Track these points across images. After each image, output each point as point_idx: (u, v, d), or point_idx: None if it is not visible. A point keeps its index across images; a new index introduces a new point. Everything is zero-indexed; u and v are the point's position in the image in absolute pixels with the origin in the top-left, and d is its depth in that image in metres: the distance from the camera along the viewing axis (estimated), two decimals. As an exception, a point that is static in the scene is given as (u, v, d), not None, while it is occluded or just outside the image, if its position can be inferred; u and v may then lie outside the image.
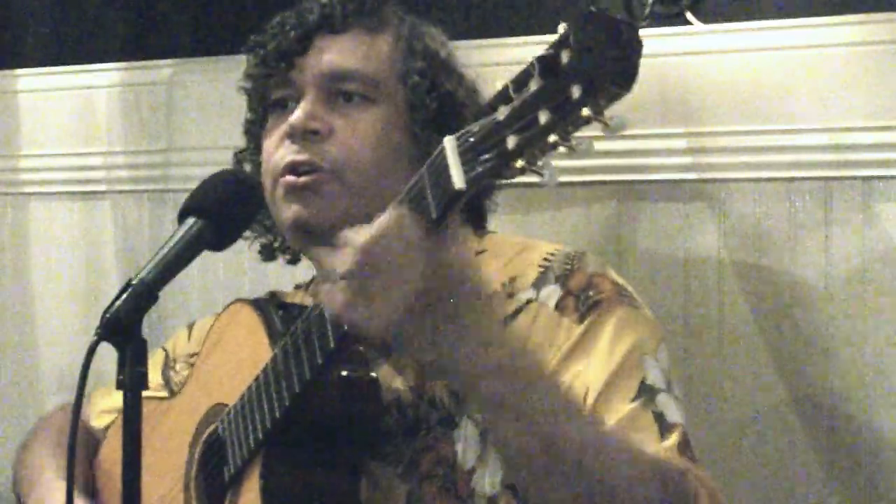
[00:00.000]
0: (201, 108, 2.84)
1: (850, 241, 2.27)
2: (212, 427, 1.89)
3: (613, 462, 1.58)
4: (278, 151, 1.88)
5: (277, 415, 1.72)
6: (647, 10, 2.39)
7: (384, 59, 1.90)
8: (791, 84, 2.31)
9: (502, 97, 1.40)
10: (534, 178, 1.40)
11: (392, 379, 1.84)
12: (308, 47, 1.89)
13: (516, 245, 1.91)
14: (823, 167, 2.30)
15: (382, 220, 1.49)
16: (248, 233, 2.01)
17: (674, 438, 1.72)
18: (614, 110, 1.34)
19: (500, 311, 1.59)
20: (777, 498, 2.33)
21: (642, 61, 2.43)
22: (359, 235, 1.50)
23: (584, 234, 2.46)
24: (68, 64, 3.04)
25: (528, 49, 1.39)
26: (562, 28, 1.34)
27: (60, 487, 2.04)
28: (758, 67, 2.33)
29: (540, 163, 1.39)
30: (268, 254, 2.10)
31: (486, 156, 1.40)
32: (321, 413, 1.75)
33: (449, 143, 1.45)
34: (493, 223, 2.51)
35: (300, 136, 1.85)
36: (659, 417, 1.73)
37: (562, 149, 1.36)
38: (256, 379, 1.77)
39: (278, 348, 1.74)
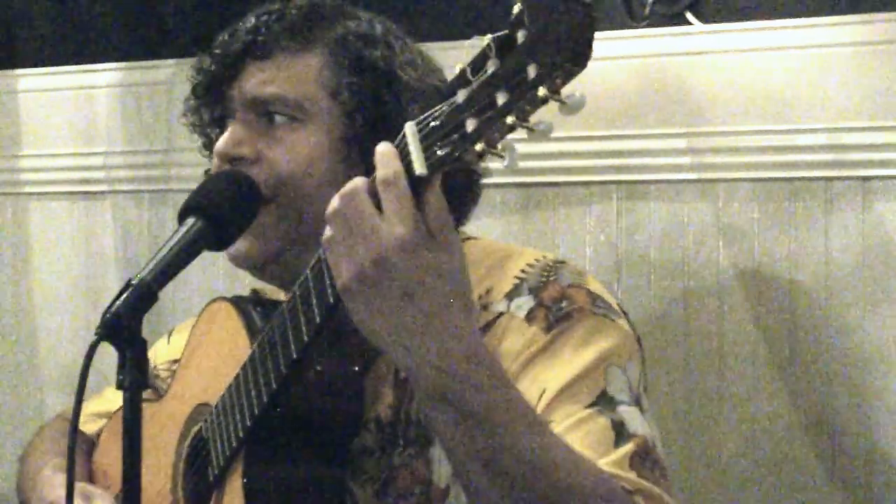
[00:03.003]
0: (201, 108, 2.84)
1: (849, 240, 2.28)
2: (196, 427, 1.89)
3: (559, 471, 1.54)
4: None
5: (257, 411, 1.71)
6: (647, 10, 2.39)
7: (311, 80, 1.85)
8: (791, 84, 2.31)
9: (461, 80, 1.39)
10: (496, 162, 1.39)
11: (371, 396, 1.81)
12: (237, 73, 1.87)
13: (497, 253, 1.87)
14: (823, 167, 2.30)
15: (375, 175, 1.48)
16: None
17: (628, 448, 1.66)
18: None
19: (470, 307, 1.52)
20: (776, 498, 2.33)
21: (642, 61, 2.45)
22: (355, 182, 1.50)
23: (584, 234, 2.46)
24: (69, 64, 3.04)
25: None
26: (517, 7, 1.34)
27: (59, 478, 2.05)
28: (758, 67, 2.33)
29: (500, 146, 1.37)
30: None
31: (446, 140, 1.39)
32: (301, 409, 1.73)
33: (409, 128, 1.45)
34: (492, 224, 2.52)
35: (227, 162, 1.84)
36: (618, 425, 1.68)
37: (521, 131, 1.35)
38: (237, 377, 1.76)
39: (256, 345, 1.73)
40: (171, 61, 2.91)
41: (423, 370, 1.50)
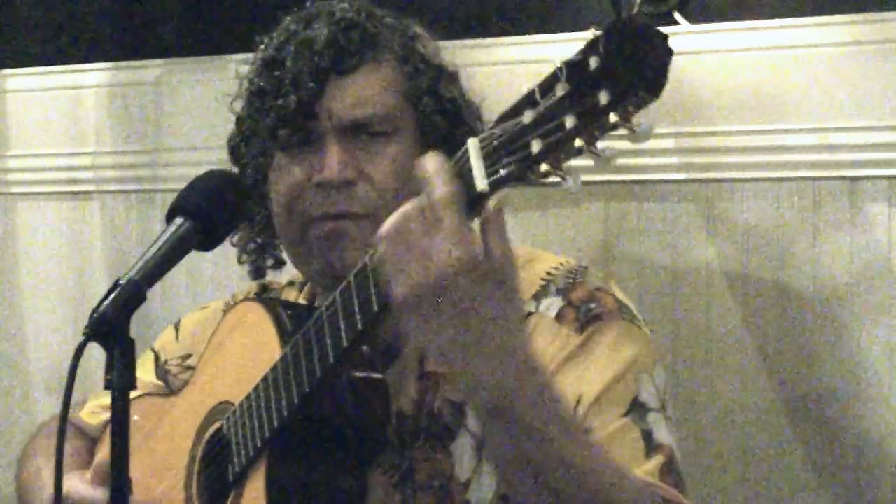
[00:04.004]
0: (190, 108, 2.84)
1: (838, 240, 2.28)
2: (216, 425, 1.89)
3: (603, 481, 1.56)
4: (305, 198, 1.87)
5: (285, 414, 1.72)
6: (635, 10, 2.40)
7: (393, 88, 1.89)
8: (779, 84, 2.31)
9: (528, 101, 1.38)
10: (556, 184, 1.39)
11: (394, 389, 1.82)
12: (323, 91, 1.86)
13: (519, 257, 1.88)
14: (811, 167, 2.30)
15: (424, 196, 1.46)
16: (244, 259, 2.04)
17: (658, 459, 1.71)
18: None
19: (522, 320, 1.53)
20: (766, 497, 2.33)
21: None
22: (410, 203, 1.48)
23: (572, 233, 2.46)
24: (57, 64, 3.04)
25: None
26: (591, 33, 1.34)
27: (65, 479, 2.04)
28: (745, 67, 2.34)
29: (564, 168, 1.38)
30: (258, 273, 2.10)
31: (510, 159, 1.39)
32: (329, 414, 1.74)
33: (473, 144, 1.44)
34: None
35: (335, 188, 1.85)
36: (647, 436, 1.72)
37: (587, 156, 1.35)
38: (265, 378, 1.77)
39: (288, 348, 1.73)
40: (159, 61, 2.91)
41: (478, 387, 1.50)
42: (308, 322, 1.69)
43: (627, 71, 1.31)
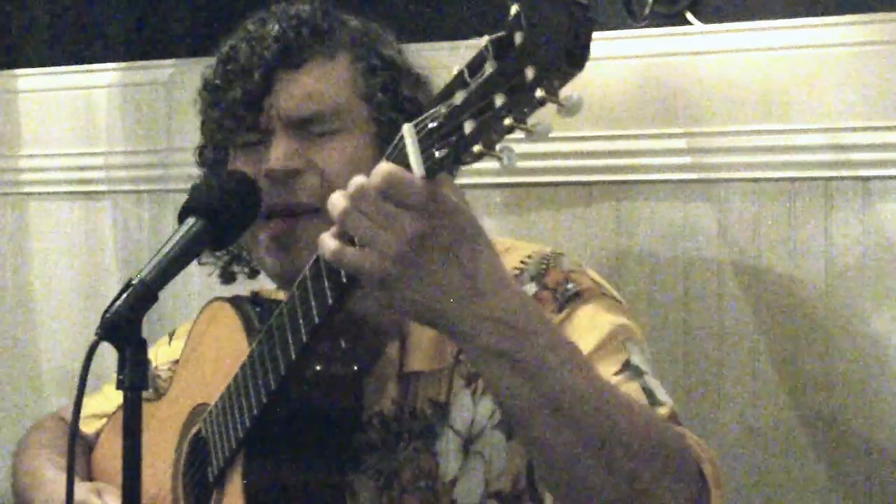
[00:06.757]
0: (201, 108, 2.84)
1: (849, 240, 2.28)
2: (195, 427, 1.89)
3: (615, 415, 1.52)
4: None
5: (256, 412, 1.71)
6: (647, 10, 2.39)
7: (345, 85, 1.87)
8: (791, 84, 2.31)
9: (459, 82, 1.38)
10: (494, 163, 1.37)
11: (374, 392, 1.82)
12: (270, 87, 1.86)
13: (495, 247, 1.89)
14: (823, 167, 2.30)
15: (376, 168, 1.46)
16: (204, 259, 2.01)
17: (664, 410, 1.69)
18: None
19: (497, 258, 1.51)
20: (777, 498, 2.33)
21: (642, 61, 2.45)
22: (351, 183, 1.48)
23: (583, 234, 2.46)
24: (68, 64, 3.04)
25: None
26: (514, 9, 1.32)
27: (64, 478, 2.04)
28: (758, 67, 2.33)
29: (498, 147, 1.36)
30: (227, 277, 2.08)
31: (445, 142, 1.38)
32: (301, 409, 1.74)
33: (408, 130, 1.43)
34: (492, 224, 2.52)
35: (280, 178, 1.83)
36: (648, 391, 1.70)
37: (519, 132, 1.34)
38: (235, 378, 1.76)
39: (254, 346, 1.73)
40: (170, 61, 2.91)
41: (478, 328, 1.47)
42: (270, 320, 1.68)
43: (550, 45, 1.28)
